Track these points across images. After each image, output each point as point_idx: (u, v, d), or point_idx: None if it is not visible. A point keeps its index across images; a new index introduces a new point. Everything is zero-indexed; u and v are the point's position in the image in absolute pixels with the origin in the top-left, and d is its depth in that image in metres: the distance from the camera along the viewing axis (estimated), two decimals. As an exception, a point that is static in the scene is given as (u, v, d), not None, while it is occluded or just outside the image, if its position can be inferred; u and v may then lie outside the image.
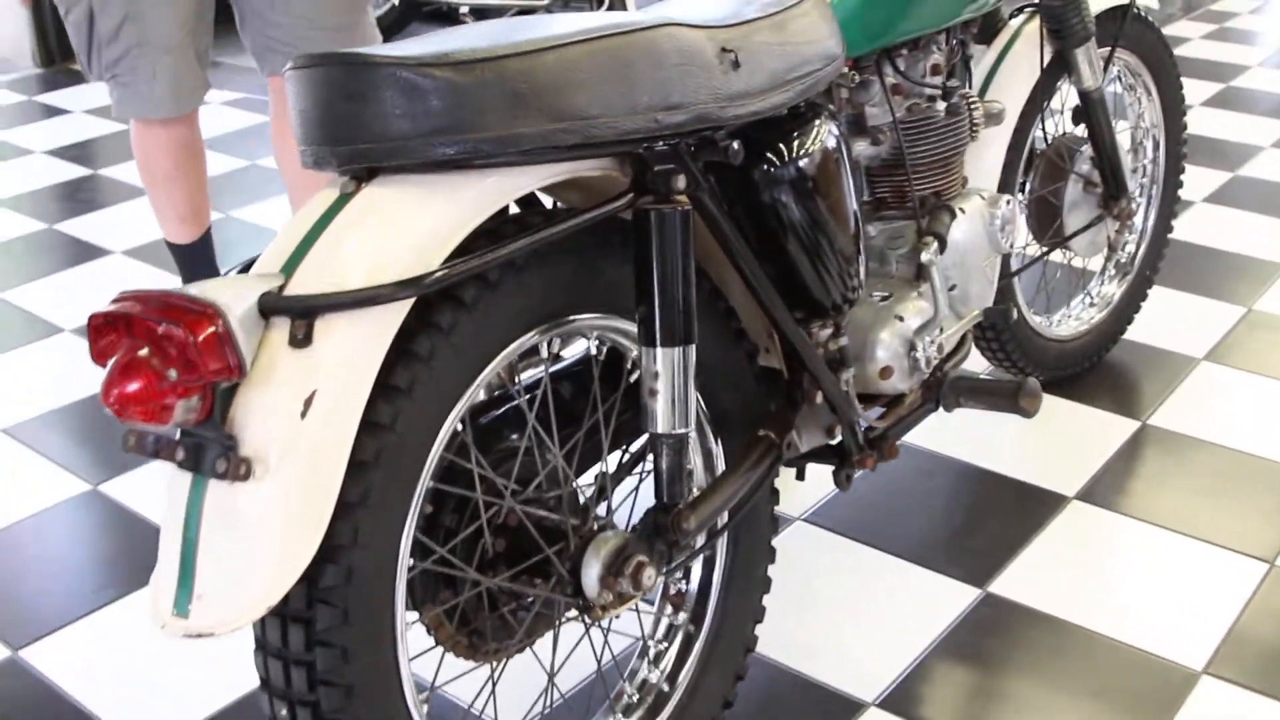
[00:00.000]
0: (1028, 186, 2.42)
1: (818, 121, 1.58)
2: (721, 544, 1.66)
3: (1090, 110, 2.35)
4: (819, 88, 1.56)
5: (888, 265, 1.88)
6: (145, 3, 2.21)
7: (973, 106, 1.96)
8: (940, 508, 2.25)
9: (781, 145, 1.53)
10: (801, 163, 1.53)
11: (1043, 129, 2.41)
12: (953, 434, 2.42)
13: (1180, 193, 2.73)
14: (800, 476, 1.87)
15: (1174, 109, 2.62)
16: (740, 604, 1.69)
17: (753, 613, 1.72)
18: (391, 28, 5.06)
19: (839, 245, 1.60)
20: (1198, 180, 3.66)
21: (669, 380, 1.40)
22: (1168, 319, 2.86)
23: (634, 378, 1.55)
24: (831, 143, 1.59)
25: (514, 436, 1.48)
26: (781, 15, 1.53)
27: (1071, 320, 2.60)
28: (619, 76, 1.29)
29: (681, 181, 1.38)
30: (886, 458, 1.83)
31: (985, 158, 2.21)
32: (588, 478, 1.55)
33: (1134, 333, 2.74)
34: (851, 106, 1.84)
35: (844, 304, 1.65)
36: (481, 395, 1.49)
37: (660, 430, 1.41)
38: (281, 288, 1.18)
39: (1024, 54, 2.23)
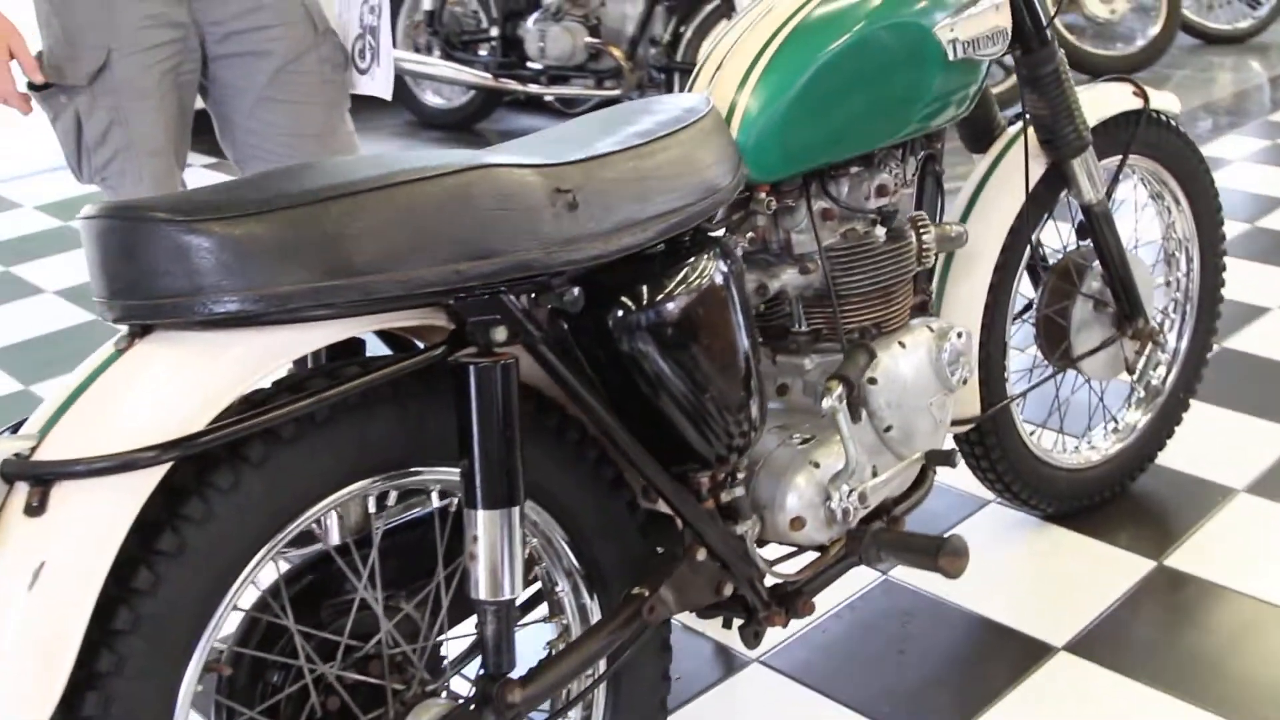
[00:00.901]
0: (1035, 304, 2.26)
1: (695, 258, 1.47)
2: (599, 700, 1.55)
3: (1094, 225, 2.18)
4: (692, 223, 1.45)
5: (819, 403, 1.74)
6: (130, 107, 2.22)
7: (922, 230, 1.82)
8: (914, 654, 2.08)
9: (642, 287, 1.42)
10: (668, 305, 1.43)
11: (1034, 245, 2.26)
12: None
13: (1221, 306, 2.51)
14: (726, 625, 1.74)
15: (1208, 220, 2.41)
16: (621, 773, 1.57)
17: (638, 781, 1.59)
18: (475, 116, 5.08)
19: (717, 393, 1.48)
20: (1249, 282, 3.39)
21: (490, 544, 1.30)
22: (1207, 441, 2.62)
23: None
24: (714, 279, 1.48)
25: (346, 590, 1.40)
26: (649, 146, 1.43)
27: (1087, 449, 2.40)
28: (411, 226, 1.21)
29: (501, 333, 1.29)
30: (801, 614, 1.69)
31: (967, 281, 2.07)
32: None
33: (1166, 455, 2.52)
34: (779, 232, 1.72)
35: (729, 454, 1.53)
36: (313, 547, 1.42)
37: (482, 597, 1.31)
38: (32, 450, 1.13)
39: (1015, 165, 2.08)
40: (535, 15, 4.73)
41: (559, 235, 1.31)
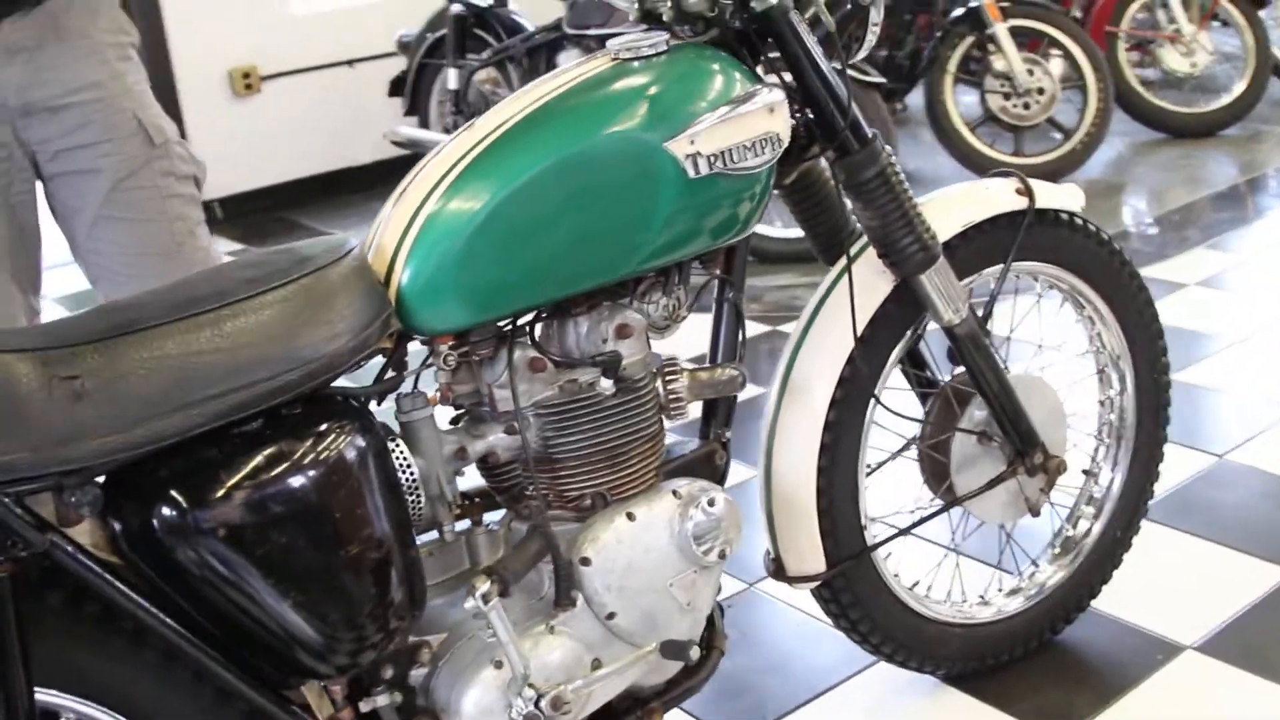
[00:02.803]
0: (917, 436, 1.96)
1: (288, 435, 1.26)
2: None
3: (960, 349, 1.87)
4: (272, 399, 1.24)
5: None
6: None
7: (669, 378, 1.56)
8: None
9: (204, 476, 1.22)
10: (233, 496, 1.22)
11: (914, 370, 1.97)
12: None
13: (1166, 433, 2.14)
14: None
15: (1140, 331, 2.06)
16: None
17: None
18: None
19: (318, 595, 1.26)
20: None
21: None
22: (1154, 583, 2.24)
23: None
24: (314, 457, 1.26)
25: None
26: (215, 313, 1.23)
27: (978, 607, 2.06)
28: None
29: (-18, 546, 1.11)
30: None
31: (795, 426, 1.80)
32: None
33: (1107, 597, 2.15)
34: (482, 388, 1.48)
35: (351, 661, 1.30)
36: None
37: None
38: None
39: (860, 285, 1.80)
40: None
41: (56, 431, 1.12)
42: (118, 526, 1.21)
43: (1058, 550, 2.12)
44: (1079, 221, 1.96)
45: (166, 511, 1.20)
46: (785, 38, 1.63)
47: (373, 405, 1.43)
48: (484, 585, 1.34)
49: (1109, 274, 2.00)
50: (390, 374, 1.43)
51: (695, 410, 1.68)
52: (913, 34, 4.94)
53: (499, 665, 1.40)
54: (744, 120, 1.53)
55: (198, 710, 1.29)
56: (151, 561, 1.22)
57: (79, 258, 2.29)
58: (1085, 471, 2.14)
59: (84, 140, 2.04)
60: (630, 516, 1.50)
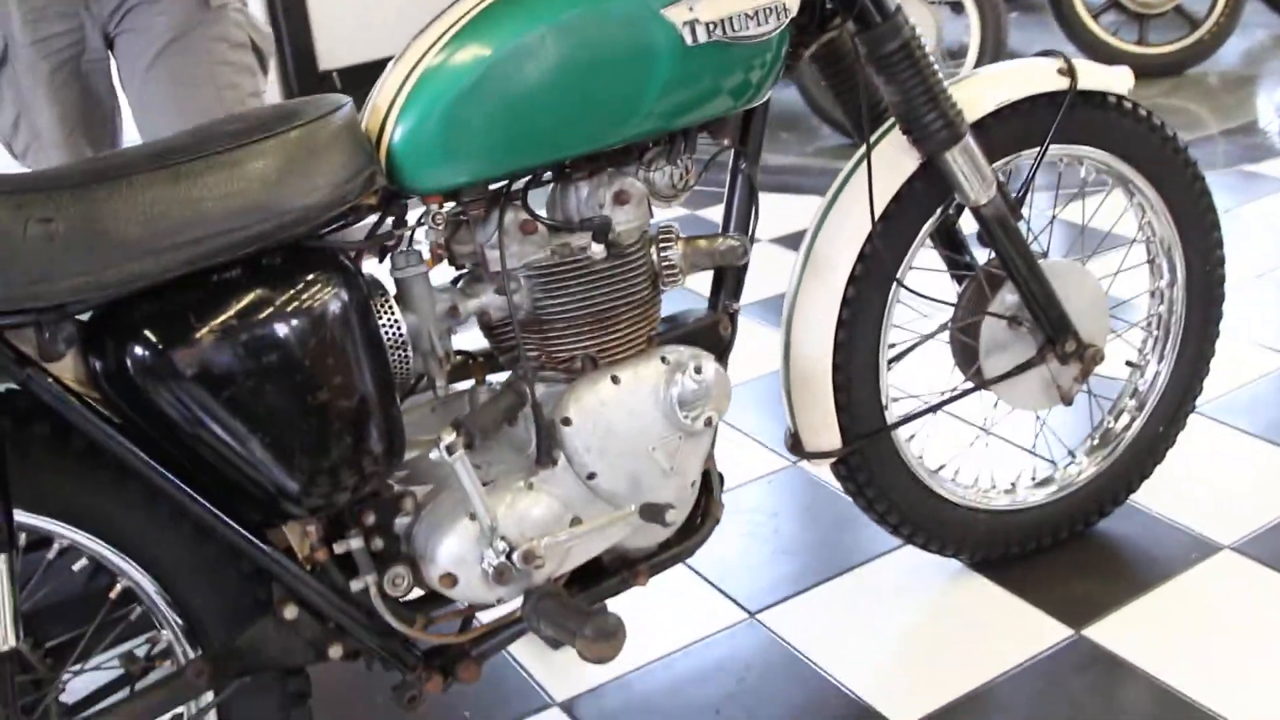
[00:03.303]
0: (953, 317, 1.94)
1: (263, 283, 1.30)
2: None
3: (988, 232, 1.83)
4: (247, 246, 1.28)
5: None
6: (31, 100, 2.22)
7: (663, 246, 1.56)
8: (737, 712, 1.83)
9: (175, 319, 1.27)
10: (202, 338, 1.27)
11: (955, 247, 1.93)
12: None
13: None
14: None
15: (1192, 218, 1.98)
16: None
17: None
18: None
19: (285, 437, 1.31)
20: None
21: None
22: (1201, 477, 2.18)
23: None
24: (288, 304, 1.30)
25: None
26: (196, 163, 1.27)
27: (1007, 494, 2.04)
28: None
29: (-55, 374, 1.18)
30: (463, 679, 1.50)
31: (812, 301, 1.80)
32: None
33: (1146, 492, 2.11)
34: (474, 248, 1.51)
35: (323, 503, 1.36)
36: None
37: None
38: None
39: (885, 162, 1.77)
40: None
41: (29, 270, 1.18)
42: (97, 365, 1.28)
43: (1096, 442, 2.08)
44: (1127, 104, 1.89)
45: (140, 351, 1.26)
46: (802, -96, 1.59)
47: (374, 262, 1.48)
48: (449, 437, 1.38)
49: (1159, 160, 1.93)
50: (382, 231, 1.46)
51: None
52: None
53: (474, 517, 1.44)
54: (744, -13, 1.50)
55: (179, 542, 1.36)
56: (129, 399, 1.28)
57: (136, 122, 2.35)
58: (1129, 363, 2.08)
59: None
60: (615, 380, 1.52)
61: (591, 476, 1.51)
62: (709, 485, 1.68)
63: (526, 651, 1.94)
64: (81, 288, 1.21)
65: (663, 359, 1.55)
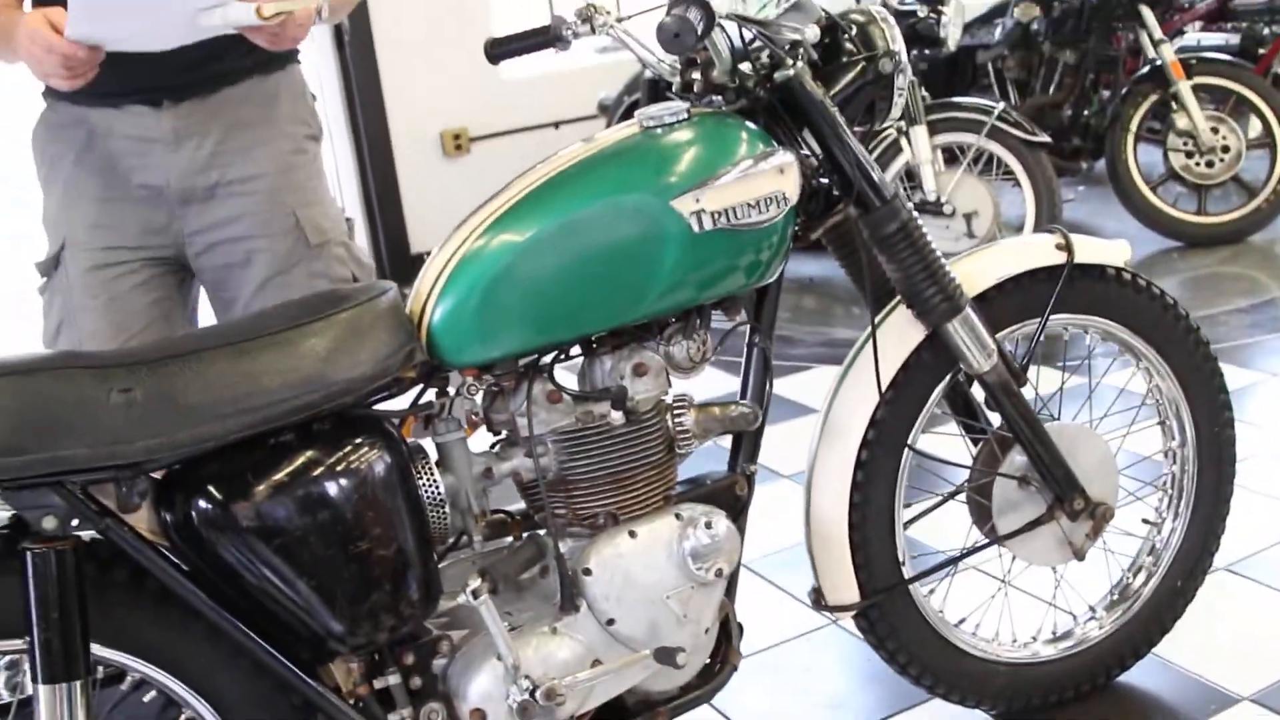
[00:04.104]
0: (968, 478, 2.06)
1: (315, 445, 1.49)
2: None
3: (993, 397, 1.96)
4: (297, 414, 1.47)
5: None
6: (78, 308, 1.98)
7: (677, 413, 1.72)
8: None
9: (235, 476, 1.46)
10: (257, 494, 1.45)
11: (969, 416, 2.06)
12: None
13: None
14: None
15: (1199, 382, 2.09)
16: None
17: None
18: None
19: (329, 583, 1.48)
20: None
21: (49, 716, 1.38)
22: (1221, 630, 2.24)
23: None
24: (336, 464, 1.49)
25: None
26: (255, 342, 1.47)
27: (1027, 647, 2.12)
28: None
29: (50, 522, 1.38)
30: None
31: (828, 461, 1.94)
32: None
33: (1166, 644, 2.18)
34: (506, 415, 1.69)
35: (363, 643, 1.52)
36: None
37: (44, 766, 1.39)
38: None
39: (894, 335, 1.93)
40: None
41: (111, 432, 1.38)
42: (168, 517, 1.47)
43: (1115, 598, 2.16)
44: (1125, 276, 2.02)
45: (205, 505, 1.45)
46: (803, 106, 1.78)
47: (420, 429, 1.66)
48: (475, 582, 1.53)
49: (1161, 326, 2.05)
50: (424, 400, 1.65)
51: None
52: (1098, 93, 4.93)
53: (500, 658, 1.59)
54: (751, 180, 1.68)
55: (238, 676, 1.52)
56: (195, 547, 1.47)
57: None
58: (1146, 521, 2.18)
59: (237, 233, 1.98)
60: (632, 534, 1.67)
61: (610, 622, 1.65)
62: (728, 633, 1.81)
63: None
64: (155, 449, 1.40)
65: (677, 515, 1.70)
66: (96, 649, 1.45)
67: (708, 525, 1.69)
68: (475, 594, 1.53)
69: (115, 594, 1.47)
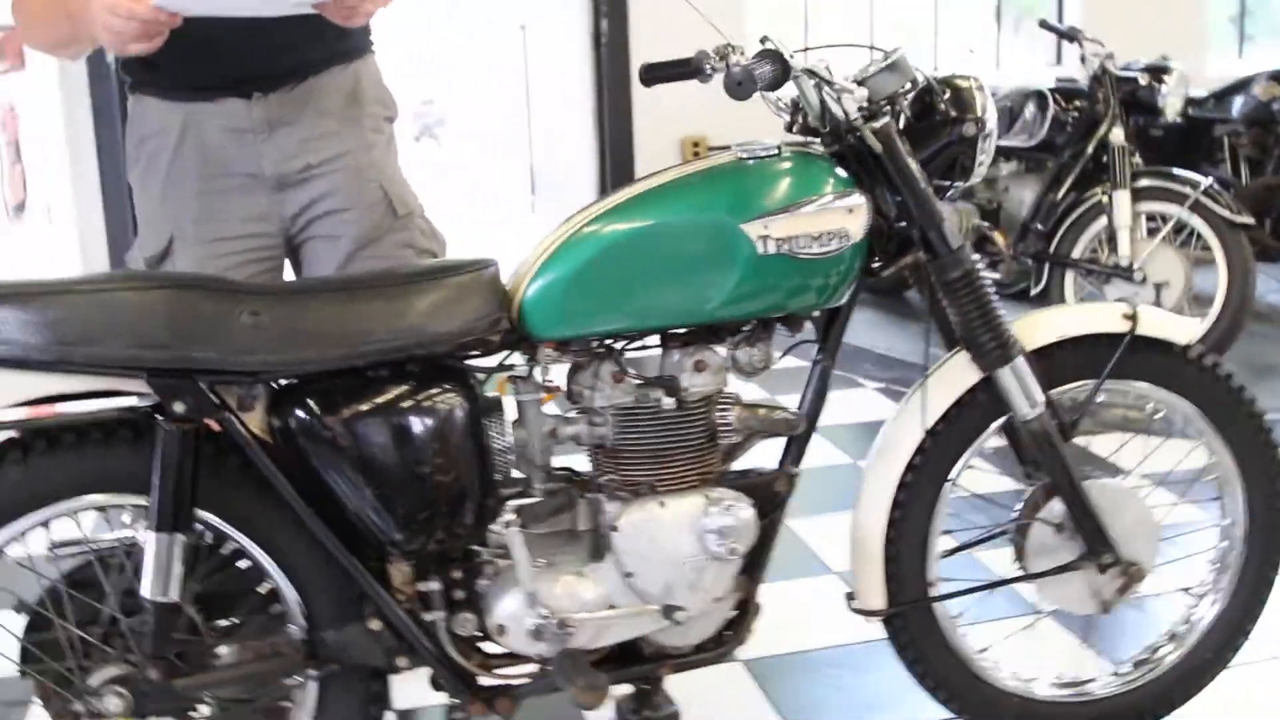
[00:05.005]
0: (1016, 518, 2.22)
1: (403, 384, 1.81)
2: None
3: (1035, 445, 2.11)
4: (390, 356, 1.78)
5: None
6: None
7: (721, 409, 1.96)
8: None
9: (332, 399, 1.79)
10: (344, 417, 1.78)
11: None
12: None
13: (1281, 571, 2.23)
14: (435, 687, 1.95)
15: (1255, 463, 2.18)
16: None
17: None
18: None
19: (390, 498, 1.79)
20: None
21: (157, 556, 1.75)
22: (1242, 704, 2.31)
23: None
24: (415, 403, 1.80)
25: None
26: (365, 290, 1.80)
27: (1037, 684, 2.25)
28: (106, 319, 1.69)
29: (179, 407, 1.73)
30: (499, 712, 1.90)
31: (874, 475, 2.13)
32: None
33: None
34: (578, 386, 1.96)
35: (413, 550, 1.83)
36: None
37: (147, 596, 1.76)
38: None
39: (951, 375, 2.11)
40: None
41: (238, 345, 1.73)
42: (275, 421, 1.80)
43: (1144, 657, 2.27)
44: (1190, 351, 2.14)
45: (305, 416, 1.78)
46: (885, 156, 1.99)
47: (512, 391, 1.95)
48: (508, 516, 1.82)
49: (1219, 403, 2.16)
50: (511, 364, 1.95)
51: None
52: None
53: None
54: (819, 215, 1.91)
55: (314, 561, 1.85)
56: (292, 450, 1.80)
57: None
58: (1185, 589, 2.27)
59: (330, 207, 2.11)
60: (662, 504, 1.92)
61: (629, 575, 1.91)
62: (745, 612, 2.04)
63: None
64: (272, 363, 1.74)
65: (706, 496, 1.94)
66: (208, 516, 1.81)
67: (728, 508, 1.92)
68: (508, 524, 1.82)
69: (228, 474, 1.82)
